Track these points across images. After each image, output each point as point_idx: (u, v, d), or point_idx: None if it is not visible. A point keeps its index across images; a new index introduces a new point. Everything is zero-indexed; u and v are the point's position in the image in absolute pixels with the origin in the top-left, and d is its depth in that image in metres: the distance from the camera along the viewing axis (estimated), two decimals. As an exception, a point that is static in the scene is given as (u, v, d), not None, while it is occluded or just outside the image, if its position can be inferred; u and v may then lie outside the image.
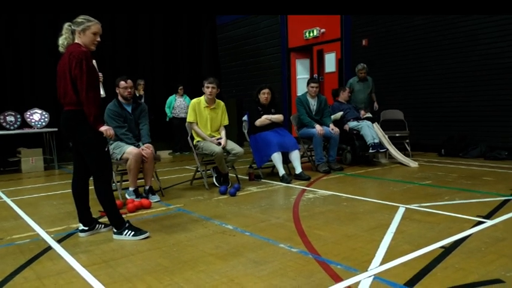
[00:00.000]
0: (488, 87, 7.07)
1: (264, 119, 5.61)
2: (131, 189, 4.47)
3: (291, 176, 5.50)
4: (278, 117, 5.66)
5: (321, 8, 8.12)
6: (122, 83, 4.51)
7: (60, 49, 3.08)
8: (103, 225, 3.42)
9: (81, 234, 3.28)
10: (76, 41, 3.05)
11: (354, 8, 7.82)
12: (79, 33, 3.02)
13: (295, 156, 5.58)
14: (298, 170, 5.56)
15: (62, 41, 3.07)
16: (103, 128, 3.04)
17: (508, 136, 6.92)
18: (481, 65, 7.13)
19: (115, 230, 3.19)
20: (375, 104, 7.58)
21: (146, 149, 4.44)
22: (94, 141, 3.06)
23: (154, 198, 4.48)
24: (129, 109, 4.59)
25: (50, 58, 8.33)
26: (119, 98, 4.56)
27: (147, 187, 4.53)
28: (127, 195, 4.48)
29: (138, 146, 4.45)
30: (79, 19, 3.04)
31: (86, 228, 3.30)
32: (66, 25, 3.06)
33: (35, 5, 7.39)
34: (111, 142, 4.53)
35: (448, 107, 7.60)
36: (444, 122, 7.67)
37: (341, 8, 7.99)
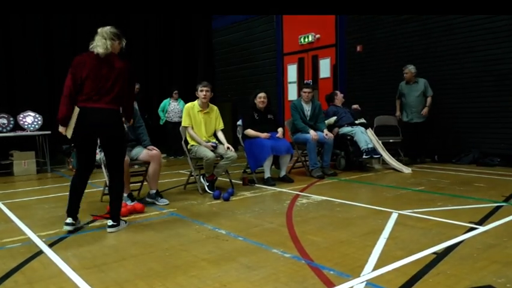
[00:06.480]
0: (482, 93, 7.11)
1: (254, 133, 5.62)
2: (125, 194, 4.43)
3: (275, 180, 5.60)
4: (268, 135, 5.62)
5: (318, 7, 8.07)
6: None
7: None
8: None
9: (69, 228, 3.44)
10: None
11: (352, 8, 7.76)
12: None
13: (284, 161, 5.76)
14: (282, 173, 5.79)
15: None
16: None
17: (500, 143, 6.97)
18: (475, 72, 7.17)
19: (113, 223, 3.45)
20: (425, 109, 7.22)
21: (152, 149, 4.47)
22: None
23: (163, 202, 4.48)
24: None
25: (43, 60, 8.32)
26: None
27: (154, 191, 4.50)
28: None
29: (129, 150, 4.45)
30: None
31: (74, 222, 3.48)
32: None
33: (27, 5, 7.35)
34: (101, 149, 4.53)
35: (441, 113, 7.64)
36: (438, 128, 7.71)
37: (338, 8, 7.93)
